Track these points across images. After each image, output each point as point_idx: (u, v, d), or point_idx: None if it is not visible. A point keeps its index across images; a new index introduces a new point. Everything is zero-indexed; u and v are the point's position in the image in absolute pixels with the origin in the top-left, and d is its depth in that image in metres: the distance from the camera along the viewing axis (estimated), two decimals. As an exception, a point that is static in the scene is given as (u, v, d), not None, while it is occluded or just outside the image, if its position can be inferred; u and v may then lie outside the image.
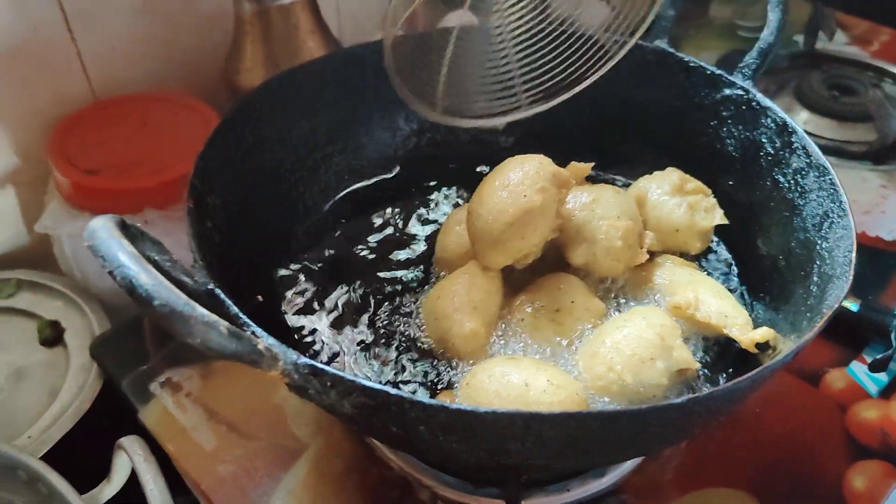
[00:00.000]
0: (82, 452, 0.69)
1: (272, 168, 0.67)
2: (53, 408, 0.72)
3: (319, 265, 0.69)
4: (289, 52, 0.85)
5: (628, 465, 0.62)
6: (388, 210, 0.74)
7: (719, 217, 0.65)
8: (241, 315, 0.44)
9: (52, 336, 0.78)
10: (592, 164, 0.65)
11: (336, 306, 0.65)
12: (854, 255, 0.50)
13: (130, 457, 0.55)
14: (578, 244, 0.61)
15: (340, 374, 0.41)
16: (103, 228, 0.39)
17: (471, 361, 0.58)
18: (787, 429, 0.67)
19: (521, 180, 0.57)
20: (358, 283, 0.67)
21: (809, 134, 0.94)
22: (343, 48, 0.81)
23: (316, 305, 0.65)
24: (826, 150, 0.92)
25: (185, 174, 0.75)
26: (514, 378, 0.50)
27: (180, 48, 0.91)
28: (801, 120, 0.99)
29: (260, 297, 0.59)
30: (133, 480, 0.61)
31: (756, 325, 0.57)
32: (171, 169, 0.77)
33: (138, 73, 0.89)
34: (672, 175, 0.67)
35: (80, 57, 0.84)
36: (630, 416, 0.41)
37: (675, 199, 0.65)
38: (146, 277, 0.37)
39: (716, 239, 0.69)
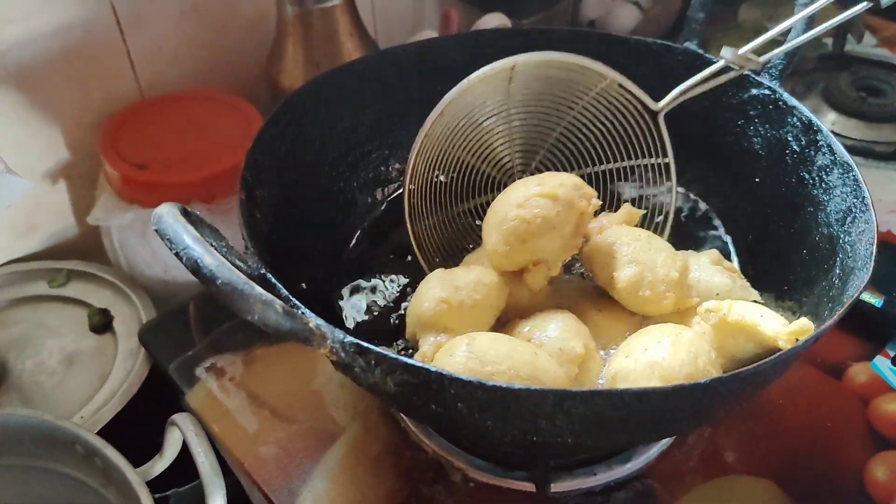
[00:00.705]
0: (130, 433, 0.72)
1: (315, 163, 0.70)
2: (103, 391, 0.75)
3: (359, 256, 0.72)
4: (328, 53, 0.88)
5: (653, 452, 0.65)
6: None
7: (755, 295, 0.63)
8: (291, 297, 0.47)
9: (102, 323, 0.82)
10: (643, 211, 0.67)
11: (375, 293, 0.68)
12: (875, 247, 0.52)
13: (183, 432, 0.58)
14: (625, 265, 0.59)
15: (384, 352, 0.44)
16: (168, 214, 0.42)
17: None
18: (809, 420, 0.68)
19: (542, 185, 0.59)
20: (394, 274, 0.70)
21: (837, 134, 0.96)
22: (381, 50, 0.84)
23: (355, 292, 0.68)
24: (853, 151, 0.95)
25: (228, 169, 0.80)
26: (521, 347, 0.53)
27: (224, 49, 0.95)
28: (828, 121, 1.01)
29: (304, 285, 0.62)
30: (181, 458, 0.64)
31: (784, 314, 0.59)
32: (214, 164, 0.81)
33: (184, 73, 0.93)
34: (711, 253, 0.67)
35: (129, 57, 0.88)
36: (656, 395, 0.43)
37: (716, 267, 0.64)
38: (210, 259, 0.40)
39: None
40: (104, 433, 0.70)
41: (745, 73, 0.66)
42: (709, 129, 0.72)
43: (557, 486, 0.63)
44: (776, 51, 0.65)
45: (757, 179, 0.69)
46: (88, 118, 0.87)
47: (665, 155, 0.70)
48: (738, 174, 0.70)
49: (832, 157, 0.61)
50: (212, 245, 0.46)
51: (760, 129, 0.69)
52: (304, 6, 0.85)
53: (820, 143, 0.63)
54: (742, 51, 0.64)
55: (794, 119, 0.65)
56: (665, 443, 0.65)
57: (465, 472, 0.64)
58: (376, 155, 0.77)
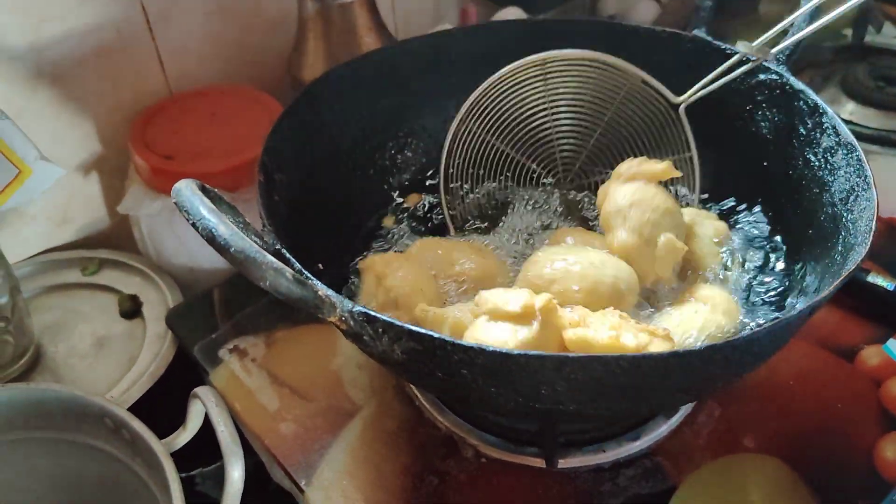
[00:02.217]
0: (157, 412, 0.75)
1: (332, 150, 0.73)
2: (132, 372, 0.78)
3: (374, 241, 0.74)
4: (348, 48, 0.90)
5: (663, 429, 0.66)
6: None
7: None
8: (304, 270, 0.50)
9: (131, 309, 0.85)
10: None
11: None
12: (874, 224, 0.53)
13: (204, 403, 0.61)
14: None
15: (390, 320, 0.46)
16: (186, 188, 0.45)
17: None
18: (821, 401, 0.69)
19: None
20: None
21: (854, 123, 0.97)
22: (398, 41, 0.86)
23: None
24: (871, 139, 0.95)
25: (252, 160, 0.82)
26: None
27: (248, 46, 0.98)
28: (846, 110, 1.01)
29: (320, 266, 0.64)
30: (201, 436, 0.67)
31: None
32: (238, 155, 0.84)
33: (210, 70, 0.96)
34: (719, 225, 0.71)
35: (158, 55, 0.92)
36: (652, 361, 0.44)
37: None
38: (224, 228, 0.43)
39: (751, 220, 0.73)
40: (132, 412, 0.73)
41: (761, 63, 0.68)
42: (717, 115, 0.73)
43: (567, 462, 0.64)
44: (784, 41, 0.66)
45: (765, 163, 0.70)
46: (119, 113, 0.91)
47: (688, 150, 0.74)
48: (747, 159, 0.71)
49: (837, 139, 0.62)
50: (229, 220, 0.48)
51: (768, 113, 0.70)
52: (324, 2, 0.88)
53: (825, 125, 0.64)
54: (756, 43, 0.67)
55: (801, 103, 0.66)
56: (674, 421, 0.66)
57: (477, 448, 0.66)
58: (392, 143, 0.79)
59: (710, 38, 0.74)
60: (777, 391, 0.69)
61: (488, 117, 0.75)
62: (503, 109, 0.75)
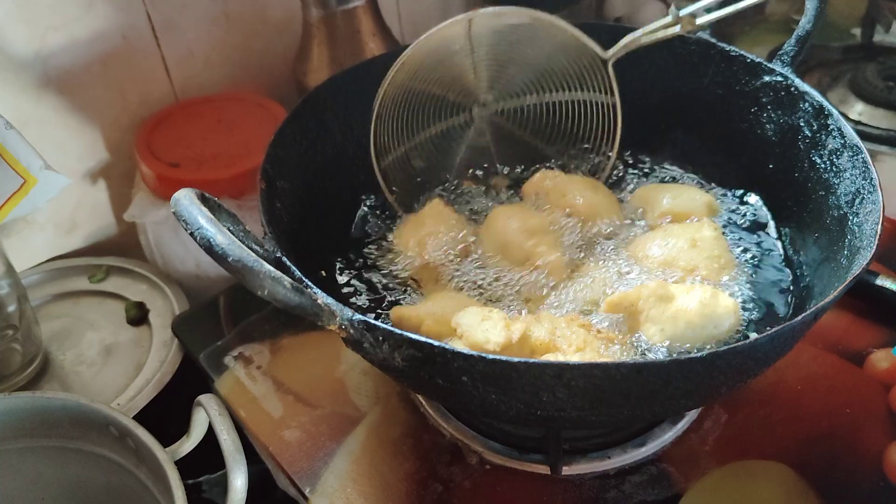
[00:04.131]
0: (163, 419, 0.75)
1: (335, 157, 0.73)
2: (139, 379, 0.79)
3: (376, 248, 0.74)
4: (352, 53, 0.91)
5: (668, 436, 0.65)
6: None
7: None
8: (304, 278, 0.50)
9: (138, 316, 0.85)
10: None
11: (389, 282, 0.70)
12: (880, 227, 0.52)
13: (207, 412, 0.61)
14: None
15: (390, 328, 0.46)
16: (185, 197, 0.45)
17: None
18: (829, 406, 0.68)
19: None
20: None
21: (864, 124, 0.96)
22: (399, 46, 0.86)
23: (373, 280, 0.70)
24: (880, 140, 0.94)
25: (256, 167, 0.82)
26: None
27: (253, 53, 0.99)
28: (855, 111, 1.00)
29: (323, 272, 0.64)
30: (208, 442, 0.67)
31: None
32: (244, 161, 0.84)
33: (216, 76, 0.97)
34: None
35: (164, 62, 0.92)
36: (653, 367, 0.44)
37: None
38: (222, 238, 0.43)
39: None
40: (139, 419, 0.73)
41: (682, 33, 0.69)
42: (723, 117, 0.73)
43: (572, 469, 0.64)
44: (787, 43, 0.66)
45: (771, 166, 0.70)
46: (125, 120, 0.91)
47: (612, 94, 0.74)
48: (753, 161, 0.71)
49: (842, 141, 0.61)
50: (228, 229, 0.48)
51: (773, 115, 0.69)
52: (328, 8, 0.88)
53: (830, 126, 0.63)
54: (684, 12, 0.67)
55: (806, 104, 0.66)
56: (681, 427, 0.66)
57: (482, 455, 0.65)
58: (397, 149, 0.79)
59: (713, 40, 0.74)
60: (785, 396, 0.69)
61: (415, 81, 0.73)
62: (428, 76, 0.74)
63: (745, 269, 0.68)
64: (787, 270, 0.67)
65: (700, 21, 0.68)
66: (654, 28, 0.70)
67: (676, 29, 0.69)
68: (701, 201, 0.71)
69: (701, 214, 0.70)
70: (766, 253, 0.70)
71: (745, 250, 0.70)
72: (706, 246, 0.66)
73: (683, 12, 0.68)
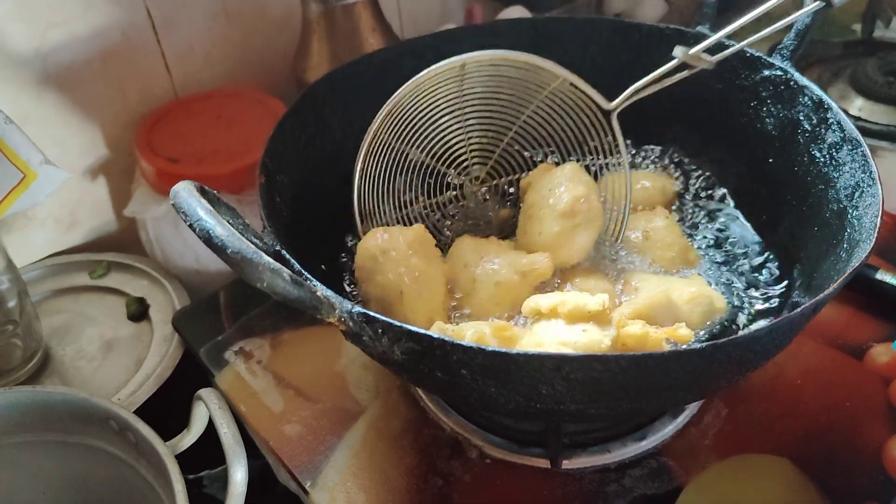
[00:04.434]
0: (164, 414, 0.75)
1: (335, 152, 0.73)
2: (139, 375, 0.79)
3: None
4: (352, 49, 0.90)
5: (668, 430, 0.65)
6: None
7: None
8: (303, 271, 0.50)
9: (139, 311, 0.86)
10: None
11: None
12: (880, 220, 0.52)
13: (207, 405, 0.61)
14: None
15: (389, 320, 0.46)
16: (184, 189, 0.45)
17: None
18: (828, 400, 0.68)
19: None
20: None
21: (864, 120, 0.96)
22: (400, 41, 0.86)
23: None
24: (880, 136, 0.94)
25: (256, 162, 0.82)
26: None
27: (253, 49, 0.99)
28: (855, 106, 1.00)
29: (323, 266, 0.64)
30: (208, 438, 0.67)
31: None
32: (243, 157, 0.84)
33: (215, 72, 0.97)
34: None
35: (164, 58, 0.92)
36: (653, 360, 0.44)
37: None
38: (221, 229, 0.43)
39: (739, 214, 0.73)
40: (139, 414, 0.73)
41: (701, 68, 0.63)
42: (722, 112, 0.73)
43: (572, 463, 0.64)
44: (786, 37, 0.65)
45: (770, 160, 0.70)
46: (125, 117, 0.92)
47: (618, 153, 0.69)
48: (752, 156, 0.71)
49: (842, 134, 0.61)
50: (227, 222, 0.48)
51: (773, 109, 0.69)
52: (328, 4, 0.88)
53: (830, 120, 0.63)
54: (693, 51, 0.62)
55: (806, 98, 0.66)
56: (681, 421, 0.66)
57: (482, 449, 0.65)
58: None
59: (712, 34, 0.74)
60: (785, 390, 0.69)
61: (402, 125, 0.70)
62: (417, 117, 0.70)
63: (713, 258, 0.69)
64: (784, 261, 0.68)
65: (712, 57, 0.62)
66: (661, 74, 0.64)
67: (684, 74, 0.64)
68: (654, 188, 0.72)
69: (656, 203, 0.71)
70: (763, 245, 0.70)
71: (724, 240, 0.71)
72: (658, 237, 0.67)
73: (692, 51, 0.62)
